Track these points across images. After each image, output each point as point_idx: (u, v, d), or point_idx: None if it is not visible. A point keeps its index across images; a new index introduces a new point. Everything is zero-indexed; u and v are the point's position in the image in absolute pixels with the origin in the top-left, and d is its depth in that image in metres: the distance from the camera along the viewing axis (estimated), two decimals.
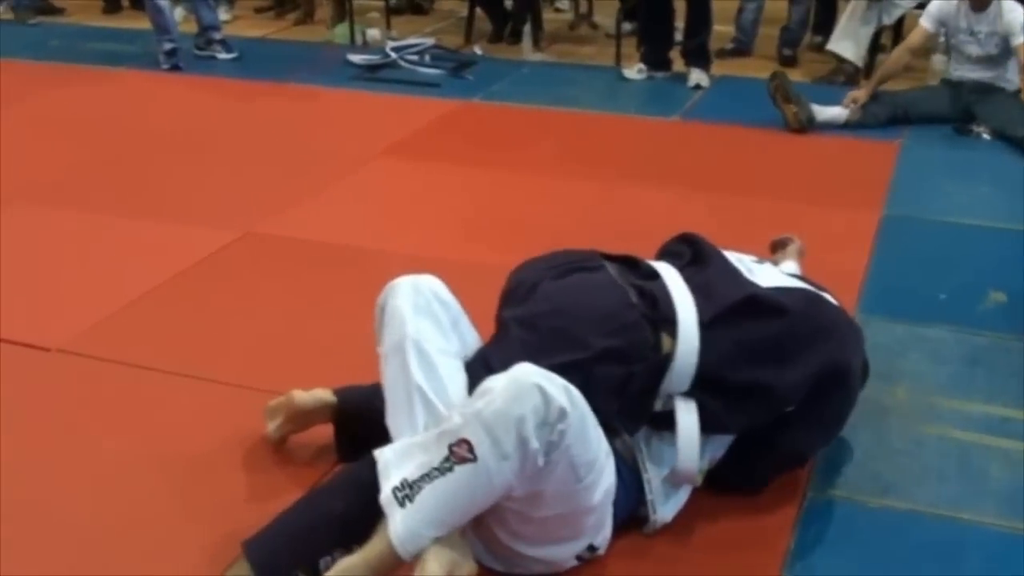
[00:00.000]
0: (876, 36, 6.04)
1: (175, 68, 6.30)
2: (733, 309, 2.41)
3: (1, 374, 3.05)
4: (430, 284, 2.41)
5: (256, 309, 3.44)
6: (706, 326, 2.37)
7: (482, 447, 1.96)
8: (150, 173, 4.68)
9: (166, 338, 3.26)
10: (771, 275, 2.64)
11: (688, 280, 2.48)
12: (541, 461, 1.99)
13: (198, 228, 4.05)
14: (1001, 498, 2.58)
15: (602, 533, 2.28)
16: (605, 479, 2.18)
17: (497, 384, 2.00)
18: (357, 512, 2.07)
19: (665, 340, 2.35)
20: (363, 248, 3.83)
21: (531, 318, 2.40)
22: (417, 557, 1.98)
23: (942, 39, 5.49)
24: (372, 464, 2.14)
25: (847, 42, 5.96)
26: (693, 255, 2.63)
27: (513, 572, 2.25)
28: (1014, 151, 4.91)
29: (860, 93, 5.23)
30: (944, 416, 2.90)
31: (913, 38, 5.36)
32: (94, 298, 3.49)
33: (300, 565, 2.07)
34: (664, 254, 2.73)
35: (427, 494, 1.98)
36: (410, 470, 2.01)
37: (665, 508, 2.41)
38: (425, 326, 2.31)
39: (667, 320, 2.36)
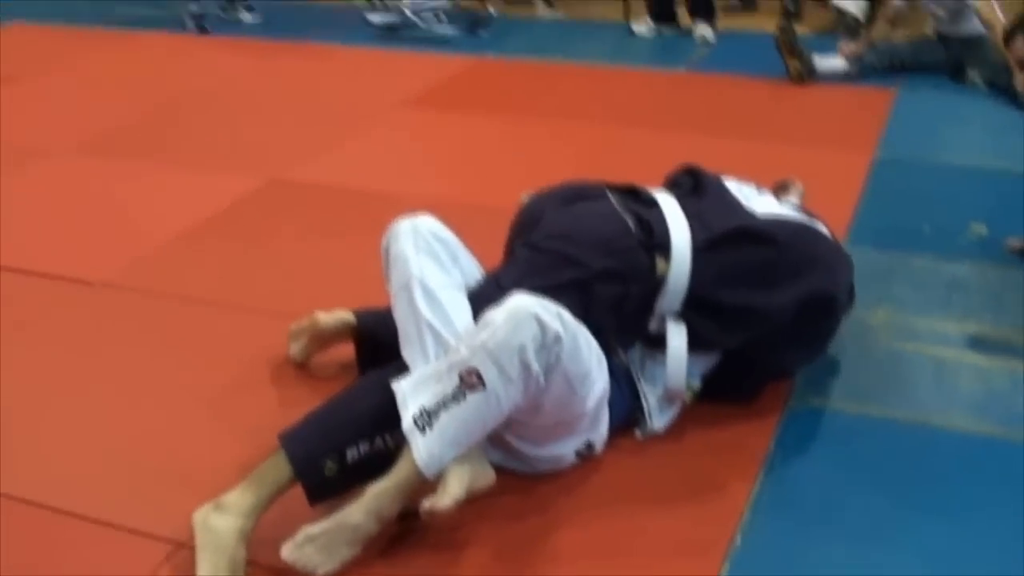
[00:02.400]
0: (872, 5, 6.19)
1: (201, 30, 6.52)
2: (725, 236, 2.61)
3: (49, 306, 3.32)
4: (428, 224, 2.63)
5: (281, 246, 3.69)
6: (699, 251, 2.58)
7: (489, 375, 2.17)
8: (181, 128, 4.93)
9: (199, 272, 3.52)
10: (769, 204, 2.84)
11: (685, 208, 2.69)
12: (542, 381, 2.22)
13: (226, 176, 4.29)
14: (969, 405, 2.79)
15: (598, 431, 2.52)
16: (598, 387, 2.41)
17: (498, 316, 2.21)
18: (383, 410, 2.27)
19: (659, 263, 2.56)
20: (380, 192, 4.04)
21: (538, 241, 2.63)
22: (440, 476, 2.20)
23: None
24: (397, 369, 2.38)
25: None
26: (694, 184, 2.85)
27: (526, 471, 2.48)
28: (1005, 97, 5.09)
29: (856, 47, 5.42)
30: (921, 335, 3.10)
31: (888, 10, 5.60)
32: (133, 238, 3.75)
33: (330, 454, 2.27)
34: (668, 184, 2.95)
35: (444, 420, 2.19)
36: (427, 399, 2.21)
37: (660, 420, 2.64)
38: (427, 264, 2.53)
39: (661, 245, 2.58)
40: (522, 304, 2.23)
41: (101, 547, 2.33)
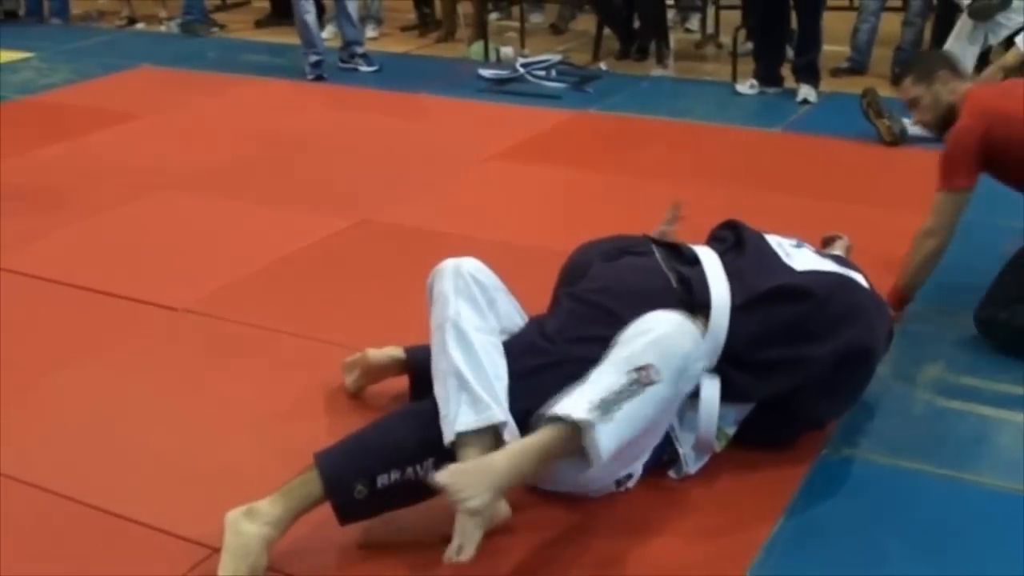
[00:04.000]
0: (983, 56, 6.13)
1: (319, 78, 6.77)
2: (764, 295, 2.71)
3: (136, 329, 3.56)
4: (470, 267, 2.74)
5: (358, 281, 3.89)
6: (738, 309, 2.69)
7: (664, 372, 2.35)
8: (284, 168, 5.16)
9: (276, 302, 3.74)
10: (807, 258, 2.91)
11: (726, 265, 2.79)
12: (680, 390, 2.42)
13: (320, 215, 4.50)
14: (1006, 463, 2.80)
15: (638, 463, 2.61)
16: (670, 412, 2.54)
17: (660, 324, 2.41)
18: (416, 441, 2.42)
19: (698, 322, 2.65)
20: (461, 235, 4.16)
21: (581, 293, 2.76)
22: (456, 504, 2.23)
23: None
24: (434, 402, 2.50)
25: None
26: (736, 240, 2.94)
27: (571, 491, 2.59)
28: None
29: None
30: (970, 393, 3.12)
31: (1008, 58, 5.53)
32: (220, 268, 3.99)
33: (361, 478, 2.38)
34: (711, 239, 3.04)
35: (625, 411, 2.31)
36: (599, 393, 2.32)
37: (695, 465, 2.74)
38: (464, 307, 2.64)
39: (701, 304, 2.69)
40: (685, 320, 2.44)
41: (142, 546, 2.52)
